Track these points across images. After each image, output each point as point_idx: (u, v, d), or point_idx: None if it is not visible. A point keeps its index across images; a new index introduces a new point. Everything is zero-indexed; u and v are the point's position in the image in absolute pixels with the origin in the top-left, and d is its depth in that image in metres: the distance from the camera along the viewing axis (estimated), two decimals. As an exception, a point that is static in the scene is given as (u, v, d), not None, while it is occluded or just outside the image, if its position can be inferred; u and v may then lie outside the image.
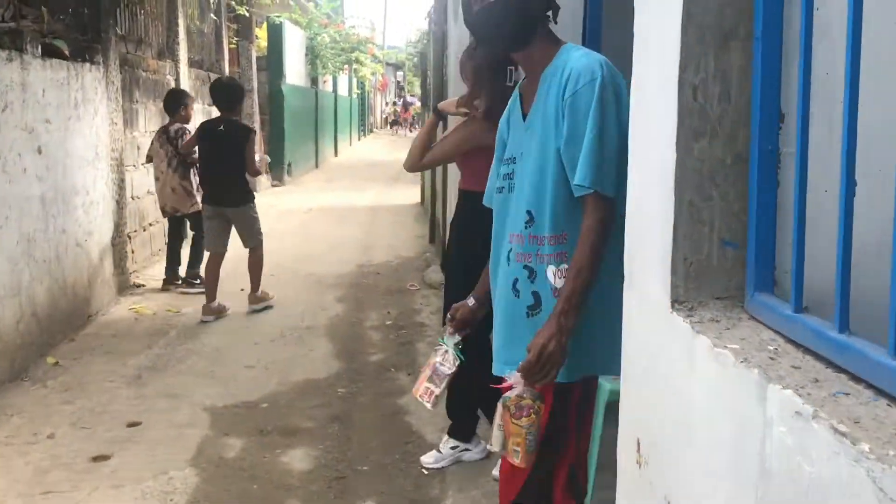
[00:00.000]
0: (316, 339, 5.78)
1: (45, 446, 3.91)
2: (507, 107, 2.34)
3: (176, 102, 7.03)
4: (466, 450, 3.69)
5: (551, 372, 2.03)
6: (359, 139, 32.45)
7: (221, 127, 6.20)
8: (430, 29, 11.32)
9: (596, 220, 2.01)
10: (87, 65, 6.04)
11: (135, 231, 7.34)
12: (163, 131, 6.90)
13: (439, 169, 8.64)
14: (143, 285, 7.15)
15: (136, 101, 7.45)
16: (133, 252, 7.26)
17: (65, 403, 4.46)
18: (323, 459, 3.80)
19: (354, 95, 31.25)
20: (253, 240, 6.40)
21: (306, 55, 18.62)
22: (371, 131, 39.15)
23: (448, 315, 2.67)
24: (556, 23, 2.20)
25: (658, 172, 1.34)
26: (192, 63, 9.52)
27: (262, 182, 14.06)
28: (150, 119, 7.90)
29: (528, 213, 2.15)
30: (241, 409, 4.45)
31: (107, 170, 6.43)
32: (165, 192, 6.88)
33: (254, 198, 6.52)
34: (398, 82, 49.41)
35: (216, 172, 6.16)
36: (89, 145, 6.03)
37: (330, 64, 20.51)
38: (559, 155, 2.06)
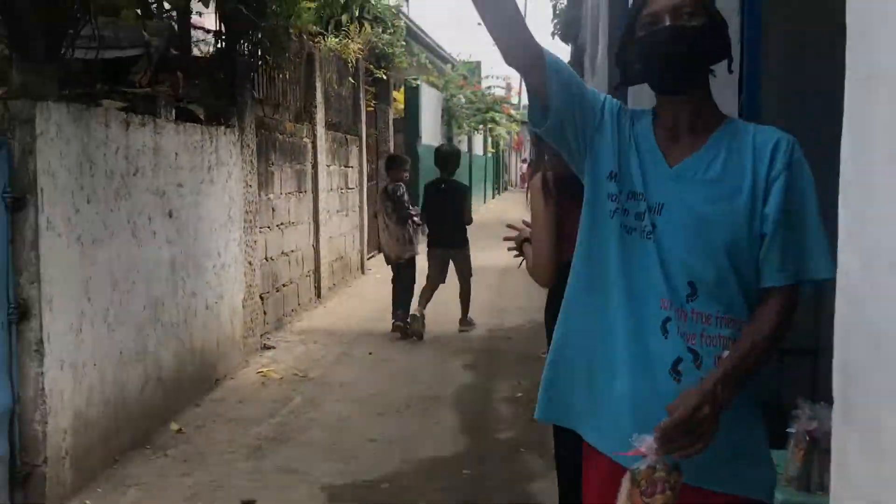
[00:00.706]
0: (442, 410, 5.43)
1: (157, 523, 3.73)
2: (619, 119, 1.93)
3: (395, 165, 8.09)
4: None
5: (700, 440, 1.67)
6: (493, 197, 32.41)
7: (443, 185, 7.72)
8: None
9: (791, 303, 1.78)
10: (222, 128, 6.09)
11: (267, 292, 7.31)
12: (384, 190, 7.90)
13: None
14: (274, 347, 7.08)
15: (273, 164, 7.50)
16: (265, 313, 7.23)
17: (183, 475, 4.30)
18: (444, 556, 3.41)
19: (489, 154, 31.35)
20: (468, 273, 7.78)
21: (442, 116, 18.77)
22: (505, 189, 39.15)
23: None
24: (730, 72, 1.92)
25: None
26: (329, 125, 9.62)
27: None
28: (287, 181, 7.95)
29: (691, 284, 1.80)
30: (362, 489, 4.15)
31: (240, 232, 6.43)
32: (391, 242, 7.69)
33: (468, 241, 7.81)
34: (537, 136, 49.37)
35: (441, 222, 7.60)
36: (222, 208, 6.04)
37: (465, 124, 20.60)
38: (753, 234, 1.79)
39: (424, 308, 7.53)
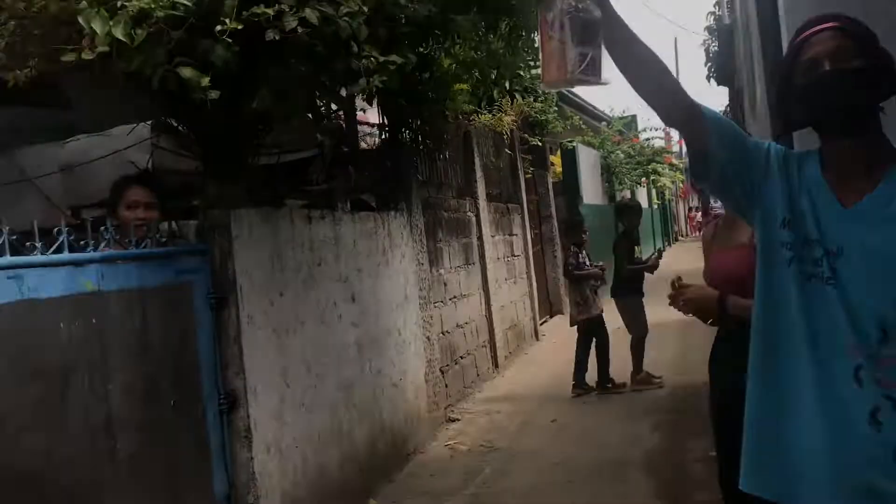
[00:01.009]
0: (634, 474, 5.30)
1: None
2: (787, 164, 1.87)
3: (570, 229, 8.93)
4: None
5: None
6: (664, 249, 31.55)
7: (634, 236, 8.22)
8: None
9: None
10: (392, 212, 6.41)
11: (447, 365, 7.49)
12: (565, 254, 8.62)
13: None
14: (459, 419, 7.20)
15: (440, 241, 7.77)
16: (447, 386, 7.39)
17: (385, 551, 4.44)
18: None
19: (655, 206, 30.70)
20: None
21: (602, 174, 18.69)
22: (676, 240, 38.05)
23: None
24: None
25: None
26: (490, 197, 9.86)
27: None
28: (454, 256, 8.19)
29: (882, 329, 1.72)
30: (558, 559, 4.11)
31: (416, 309, 6.67)
32: (571, 304, 8.12)
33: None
34: (701, 189, 47.95)
35: (637, 272, 7.82)
36: (398, 287, 6.31)
37: (626, 179, 20.39)
38: None
39: (638, 369, 7.75)
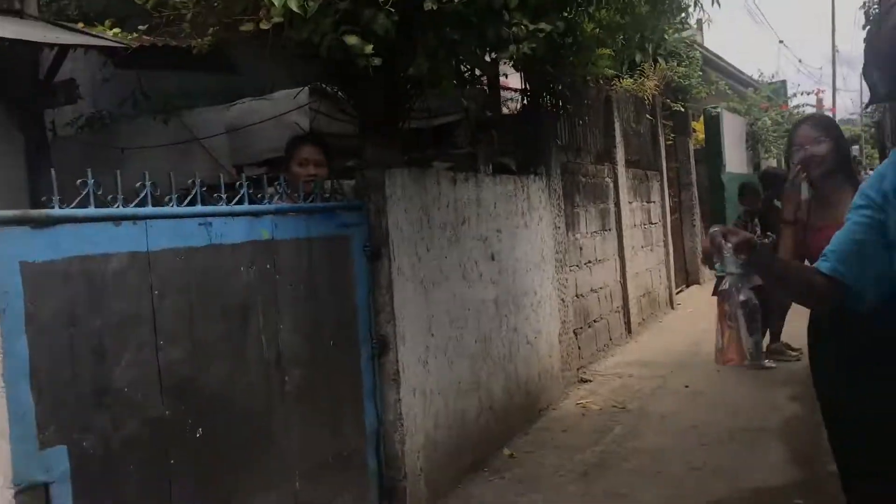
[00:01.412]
0: (769, 441, 5.31)
1: (501, 536, 4.13)
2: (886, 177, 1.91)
3: (744, 193, 8.18)
4: None
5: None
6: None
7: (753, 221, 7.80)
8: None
9: None
10: (532, 176, 6.58)
11: (580, 328, 7.64)
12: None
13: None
14: (591, 380, 7.35)
15: (577, 205, 7.87)
16: (580, 348, 7.55)
17: (519, 496, 4.69)
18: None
19: (803, 176, 29.21)
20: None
21: (746, 141, 18.04)
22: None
23: (718, 233, 2.06)
24: None
25: None
26: (629, 163, 9.83)
27: (706, 274, 13.74)
28: (591, 221, 8.27)
29: None
30: (688, 514, 4.23)
31: (552, 271, 6.84)
32: None
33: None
34: (854, 156, 45.31)
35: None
36: (535, 249, 6.49)
37: (773, 147, 19.57)
38: None
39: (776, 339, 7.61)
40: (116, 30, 5.83)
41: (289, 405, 3.66)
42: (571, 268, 7.47)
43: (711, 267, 1.90)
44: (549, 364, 6.58)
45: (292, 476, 3.66)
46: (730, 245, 1.99)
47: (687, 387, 6.90)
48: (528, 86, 7.00)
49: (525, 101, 7.04)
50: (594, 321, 8.11)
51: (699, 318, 10.21)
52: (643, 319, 9.81)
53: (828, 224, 3.07)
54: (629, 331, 9.19)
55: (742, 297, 2.00)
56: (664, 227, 11.40)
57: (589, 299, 7.99)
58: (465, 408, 5.06)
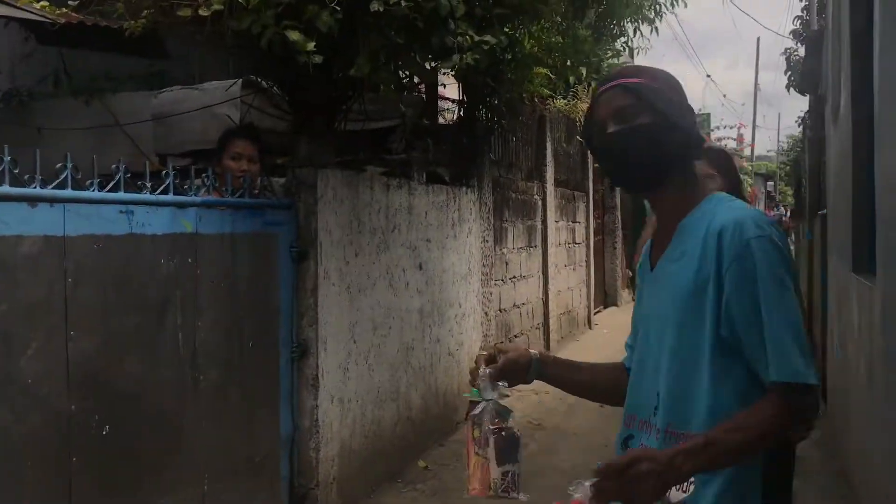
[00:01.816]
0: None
1: (411, 549, 4.07)
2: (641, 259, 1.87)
3: None
4: None
5: (630, 497, 1.49)
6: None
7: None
8: (804, 135, 10.61)
9: (783, 409, 1.52)
10: (464, 188, 6.58)
11: (501, 342, 7.66)
12: None
13: (816, 283, 7.87)
14: (508, 395, 7.30)
15: (506, 220, 7.91)
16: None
17: (431, 508, 4.65)
18: None
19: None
20: None
21: (669, 170, 18.53)
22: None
23: (484, 354, 1.97)
24: (699, 159, 1.80)
25: None
26: (557, 183, 9.95)
27: (624, 297, 14.03)
28: (518, 237, 8.33)
29: (657, 395, 1.67)
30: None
31: (477, 284, 6.84)
32: None
33: None
34: (769, 192, 47.18)
35: None
36: (463, 261, 6.49)
37: (694, 177, 20.17)
38: (717, 338, 1.58)
39: None
40: (44, 3, 5.57)
41: (202, 405, 3.52)
42: (496, 282, 7.50)
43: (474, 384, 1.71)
44: (468, 376, 6.56)
45: (201, 479, 3.52)
46: (488, 371, 1.89)
47: (602, 406, 6.98)
48: (465, 97, 7.01)
49: (462, 113, 7.04)
50: (515, 336, 8.16)
51: (616, 339, 10.39)
52: (562, 337, 9.92)
53: None
54: (548, 347, 9.28)
55: (493, 426, 1.87)
56: (587, 247, 11.59)
57: (511, 314, 8.03)
58: (382, 417, 4.99)
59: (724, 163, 2.77)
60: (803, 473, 5.13)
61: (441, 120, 7.03)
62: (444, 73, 7.01)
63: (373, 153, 5.44)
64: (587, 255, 11.57)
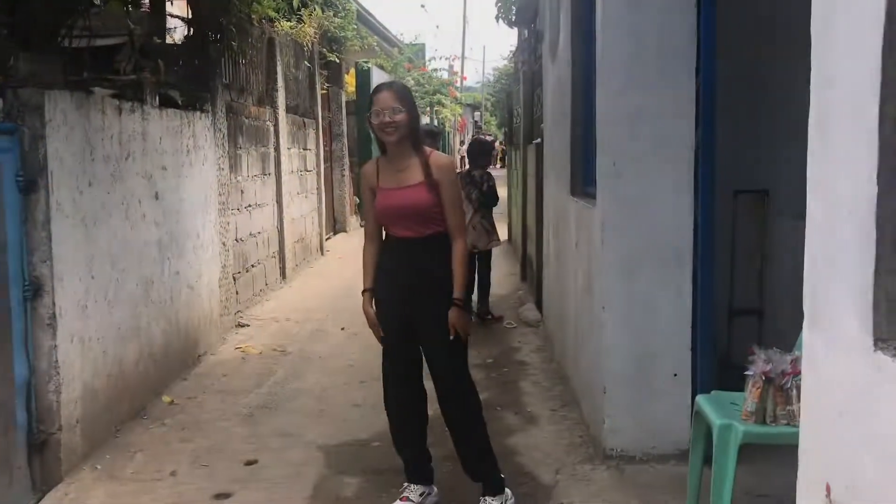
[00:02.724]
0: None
1: (169, 483, 4.01)
2: None
3: (483, 153, 7.81)
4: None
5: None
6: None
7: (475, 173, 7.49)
8: (517, 68, 11.39)
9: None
10: (198, 113, 6.30)
11: (238, 272, 7.55)
12: (467, 175, 7.43)
13: (529, 204, 8.64)
14: (249, 325, 7.33)
15: (240, 147, 7.71)
16: (237, 293, 7.47)
17: (183, 441, 4.57)
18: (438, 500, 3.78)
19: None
20: None
21: (391, 98, 18.94)
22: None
23: None
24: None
25: (850, 206, 1.30)
26: (288, 109, 9.82)
27: (352, 222, 14.33)
28: (253, 164, 8.16)
29: None
30: (354, 447, 4.48)
31: (215, 214, 6.65)
32: (479, 231, 7.26)
33: None
34: (475, 121, 49.91)
35: None
36: (200, 190, 6.26)
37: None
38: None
39: None
40: None
41: (-76, 355, 3.14)
42: (233, 211, 7.33)
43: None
44: (209, 309, 6.43)
45: (-73, 436, 3.17)
46: None
47: (343, 329, 7.21)
48: (194, 15, 6.65)
49: (191, 32, 6.67)
50: (252, 266, 8.07)
51: (347, 264, 10.66)
52: (297, 265, 9.97)
53: (391, 188, 3.46)
54: (284, 276, 9.30)
55: None
56: (318, 175, 11.63)
57: (248, 244, 7.92)
58: (125, 355, 4.77)
59: (408, 98, 3.47)
60: (526, 375, 5.77)
61: (169, 39, 6.61)
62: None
63: (99, 73, 5.01)
64: (318, 183, 11.62)
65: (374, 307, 3.57)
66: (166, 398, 5.25)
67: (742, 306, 4.99)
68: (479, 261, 7.39)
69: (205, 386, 5.60)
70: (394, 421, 3.71)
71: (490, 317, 7.48)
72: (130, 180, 4.89)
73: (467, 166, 7.84)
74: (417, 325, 3.49)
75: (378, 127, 3.41)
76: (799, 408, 3.02)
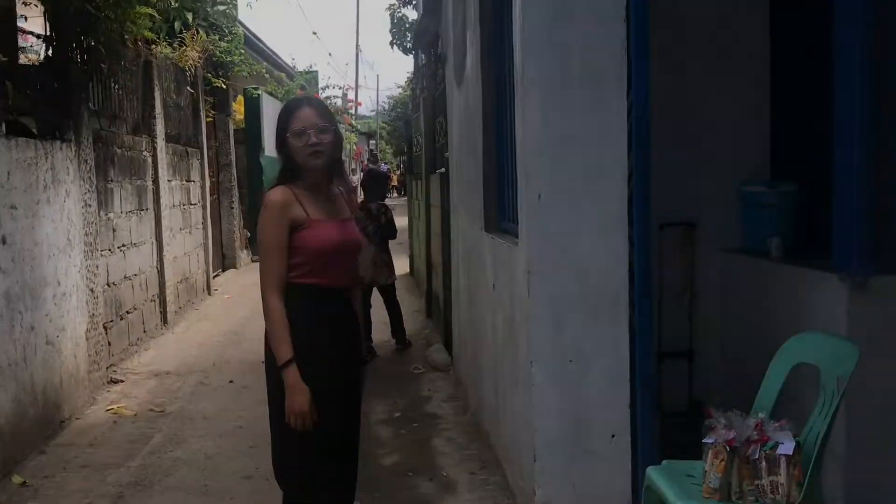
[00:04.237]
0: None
1: None
2: None
3: (379, 182, 7.80)
4: None
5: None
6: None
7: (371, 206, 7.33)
8: (416, 95, 10.95)
9: None
10: (58, 142, 5.51)
11: (111, 321, 6.71)
12: (366, 209, 7.19)
13: (434, 237, 8.16)
14: (123, 381, 6.50)
15: (112, 180, 6.90)
16: (110, 344, 6.62)
17: (34, 536, 3.80)
18: None
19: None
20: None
21: (283, 126, 18.20)
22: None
23: None
24: None
25: None
26: (168, 138, 9.02)
27: (243, 258, 13.48)
28: (127, 199, 7.34)
29: None
30: (244, 534, 3.81)
31: (80, 257, 5.84)
32: (366, 264, 6.89)
33: None
34: (371, 150, 49.54)
35: None
36: (61, 231, 5.46)
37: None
38: None
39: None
40: None
41: None
42: (103, 252, 6.51)
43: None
44: (73, 366, 5.60)
45: None
46: None
47: (231, 382, 6.48)
48: (54, 34, 5.86)
49: (50, 52, 5.88)
50: (127, 312, 7.23)
51: (237, 305, 9.89)
52: (180, 307, 9.13)
53: (327, 220, 2.83)
54: (165, 321, 8.45)
55: None
56: (204, 208, 10.82)
57: (122, 288, 7.09)
58: (-41, 433, 3.95)
59: (331, 116, 2.95)
60: (439, 430, 5.21)
61: (24, 60, 5.79)
62: (24, 4, 5.80)
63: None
64: (204, 217, 10.79)
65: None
66: (17, 479, 4.42)
67: (671, 348, 4.61)
68: (385, 295, 7.41)
69: (66, 460, 4.78)
70: None
71: (409, 343, 7.57)
72: (-33, 223, 4.10)
73: (361, 198, 7.67)
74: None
75: (301, 149, 2.77)
76: (770, 482, 2.61)
